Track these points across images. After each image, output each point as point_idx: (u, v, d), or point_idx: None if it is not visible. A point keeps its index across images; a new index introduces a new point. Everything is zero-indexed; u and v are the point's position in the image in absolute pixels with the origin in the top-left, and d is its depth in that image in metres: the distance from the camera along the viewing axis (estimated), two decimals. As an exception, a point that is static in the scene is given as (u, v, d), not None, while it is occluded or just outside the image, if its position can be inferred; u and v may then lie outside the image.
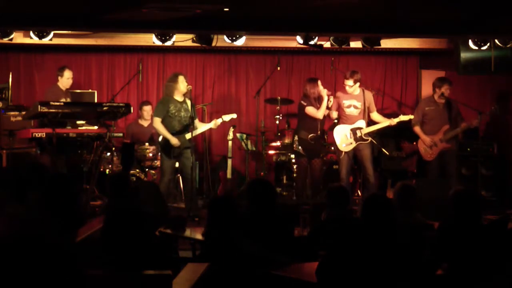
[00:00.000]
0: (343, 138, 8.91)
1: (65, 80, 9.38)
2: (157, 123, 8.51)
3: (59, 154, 8.54)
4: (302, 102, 9.13)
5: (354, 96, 8.95)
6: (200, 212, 8.47)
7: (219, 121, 8.76)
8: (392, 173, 10.00)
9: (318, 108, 9.02)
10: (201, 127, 8.73)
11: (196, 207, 8.64)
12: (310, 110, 9.03)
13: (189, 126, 8.50)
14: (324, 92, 8.98)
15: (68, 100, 9.19)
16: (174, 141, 8.44)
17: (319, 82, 9.12)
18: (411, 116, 9.08)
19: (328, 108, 9.04)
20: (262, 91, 10.09)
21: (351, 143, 8.88)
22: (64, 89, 9.41)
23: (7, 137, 8.98)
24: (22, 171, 6.00)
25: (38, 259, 2.92)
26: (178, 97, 8.52)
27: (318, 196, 9.31)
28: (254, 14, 8.15)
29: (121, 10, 7.59)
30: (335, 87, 10.79)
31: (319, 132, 9.07)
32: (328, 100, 8.98)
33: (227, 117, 8.87)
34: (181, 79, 8.51)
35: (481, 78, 10.20)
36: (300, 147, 9.13)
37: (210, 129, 8.90)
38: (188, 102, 8.60)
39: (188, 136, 8.50)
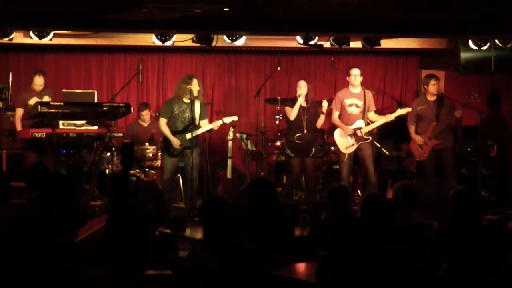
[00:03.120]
0: (344, 141, 8.93)
1: (34, 86, 9.19)
2: (162, 124, 8.62)
3: (56, 154, 8.54)
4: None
5: (355, 95, 8.96)
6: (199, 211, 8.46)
7: (219, 122, 8.79)
8: (392, 173, 10.00)
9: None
10: (201, 128, 8.71)
11: (195, 207, 8.65)
12: (285, 110, 9.16)
13: (190, 127, 8.54)
14: (298, 93, 9.00)
15: (46, 98, 9.04)
16: (175, 143, 8.53)
17: (300, 84, 9.09)
18: (409, 109, 9.11)
19: (322, 113, 9.03)
20: (262, 91, 10.08)
21: (352, 145, 8.90)
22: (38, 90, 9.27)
23: (7, 137, 8.99)
24: (4, 173, 6.00)
25: (34, 259, 2.92)
26: (186, 98, 8.55)
27: (318, 195, 9.33)
28: (254, 14, 8.15)
29: (121, 10, 7.58)
30: (335, 87, 10.80)
31: (305, 131, 9.05)
32: (321, 105, 9.00)
33: (227, 119, 8.92)
34: (195, 82, 8.55)
35: (481, 78, 10.20)
36: (288, 149, 9.15)
37: (211, 129, 8.90)
38: (197, 103, 8.60)
39: (188, 136, 8.54)
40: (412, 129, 9.24)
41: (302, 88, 9.03)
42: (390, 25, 8.62)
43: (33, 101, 8.91)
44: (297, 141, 9.03)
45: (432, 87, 9.09)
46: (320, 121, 9.15)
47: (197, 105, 8.62)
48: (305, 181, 9.39)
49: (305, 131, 9.02)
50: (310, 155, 9.18)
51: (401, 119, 9.26)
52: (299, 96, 8.98)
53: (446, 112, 9.10)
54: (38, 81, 9.20)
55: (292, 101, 9.11)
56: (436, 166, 9.15)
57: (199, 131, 8.67)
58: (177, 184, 9.60)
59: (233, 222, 4.82)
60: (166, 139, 8.67)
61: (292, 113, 8.99)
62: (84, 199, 8.23)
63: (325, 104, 8.95)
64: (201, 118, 8.69)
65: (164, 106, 8.80)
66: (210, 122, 8.92)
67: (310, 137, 9.13)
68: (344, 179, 8.81)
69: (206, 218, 4.78)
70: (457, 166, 9.57)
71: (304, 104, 9.04)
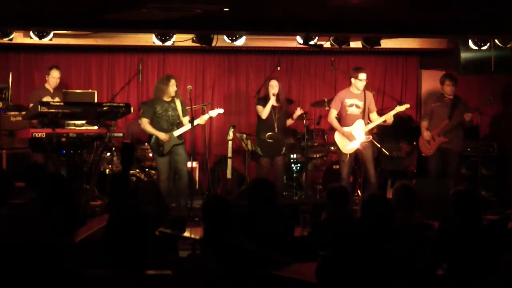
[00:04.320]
0: (345, 141, 8.93)
1: (51, 79, 9.37)
2: (145, 123, 8.78)
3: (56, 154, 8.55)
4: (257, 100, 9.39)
5: (356, 96, 8.97)
6: (199, 211, 8.47)
7: (206, 116, 8.95)
8: (392, 173, 10.00)
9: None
10: (186, 126, 8.79)
11: (190, 202, 8.67)
12: (257, 108, 9.25)
13: (177, 124, 8.73)
14: (271, 92, 9.08)
15: (57, 99, 9.12)
16: (162, 136, 8.66)
17: (272, 83, 9.19)
18: (407, 105, 9.17)
19: (292, 118, 9.24)
20: (262, 91, 10.08)
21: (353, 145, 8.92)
22: (51, 89, 9.37)
23: (7, 137, 9.00)
24: (6, 173, 5.98)
25: (34, 259, 2.91)
26: (166, 98, 8.67)
27: (318, 195, 9.34)
28: (254, 14, 8.15)
29: (121, 10, 7.58)
30: (335, 87, 10.79)
31: (276, 130, 9.14)
32: (295, 111, 9.18)
33: (213, 113, 9.04)
34: (172, 82, 8.69)
35: (481, 78, 10.20)
36: (259, 148, 9.22)
37: (210, 129, 8.99)
38: (177, 101, 8.74)
39: (176, 133, 8.65)
40: (424, 124, 9.28)
41: (274, 87, 9.15)
42: (390, 25, 8.62)
43: (46, 99, 8.95)
44: (268, 140, 9.13)
45: (447, 87, 9.16)
46: (289, 122, 9.37)
47: (178, 103, 8.78)
48: (275, 179, 9.35)
49: (276, 130, 9.13)
50: (280, 154, 9.31)
51: (402, 119, 9.27)
52: (273, 95, 9.05)
53: (458, 113, 9.13)
54: (56, 74, 9.36)
55: (263, 100, 9.19)
56: (440, 164, 9.17)
57: (187, 127, 8.74)
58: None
59: (233, 222, 4.82)
60: (153, 140, 8.76)
61: (264, 112, 9.11)
62: (84, 199, 8.24)
63: (298, 112, 9.15)
64: (183, 115, 8.85)
65: (146, 108, 8.93)
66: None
67: (281, 136, 9.28)
68: (344, 179, 8.84)
69: (207, 218, 4.78)
70: (458, 167, 9.57)
71: (275, 104, 9.11)
